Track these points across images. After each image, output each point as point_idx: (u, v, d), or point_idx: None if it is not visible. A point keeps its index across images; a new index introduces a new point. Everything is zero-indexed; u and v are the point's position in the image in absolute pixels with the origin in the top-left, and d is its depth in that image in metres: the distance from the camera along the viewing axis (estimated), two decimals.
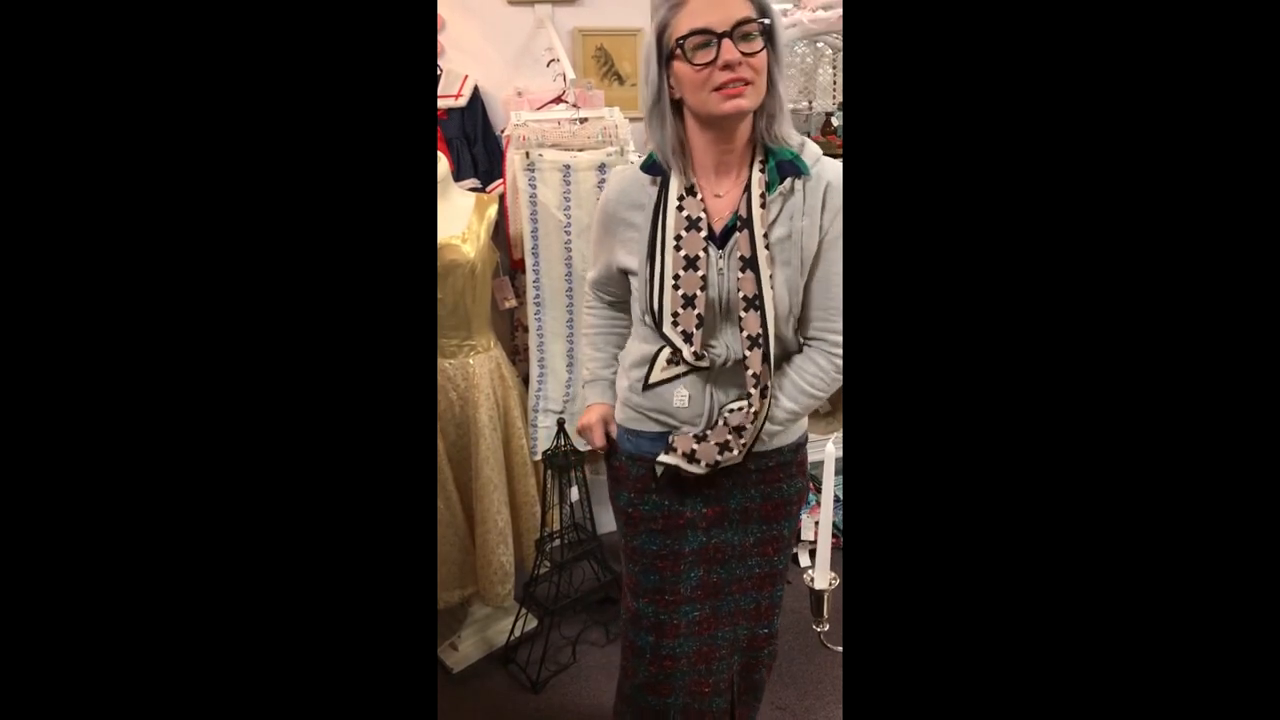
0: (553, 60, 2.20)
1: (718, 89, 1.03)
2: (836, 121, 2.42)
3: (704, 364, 1.15)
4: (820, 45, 2.17)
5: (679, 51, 1.03)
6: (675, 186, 1.14)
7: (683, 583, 1.29)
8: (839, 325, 1.16)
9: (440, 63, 2.24)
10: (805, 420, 1.31)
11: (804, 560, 2.46)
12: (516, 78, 2.29)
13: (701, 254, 1.12)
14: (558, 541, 2.06)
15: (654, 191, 1.16)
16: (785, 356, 1.20)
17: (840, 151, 2.35)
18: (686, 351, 1.13)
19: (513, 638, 2.12)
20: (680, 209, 1.13)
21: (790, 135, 1.13)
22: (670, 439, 1.21)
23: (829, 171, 1.14)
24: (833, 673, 2.02)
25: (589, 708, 1.95)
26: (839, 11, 1.94)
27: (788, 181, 1.11)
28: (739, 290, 1.11)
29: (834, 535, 1.50)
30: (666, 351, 1.18)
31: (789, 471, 1.30)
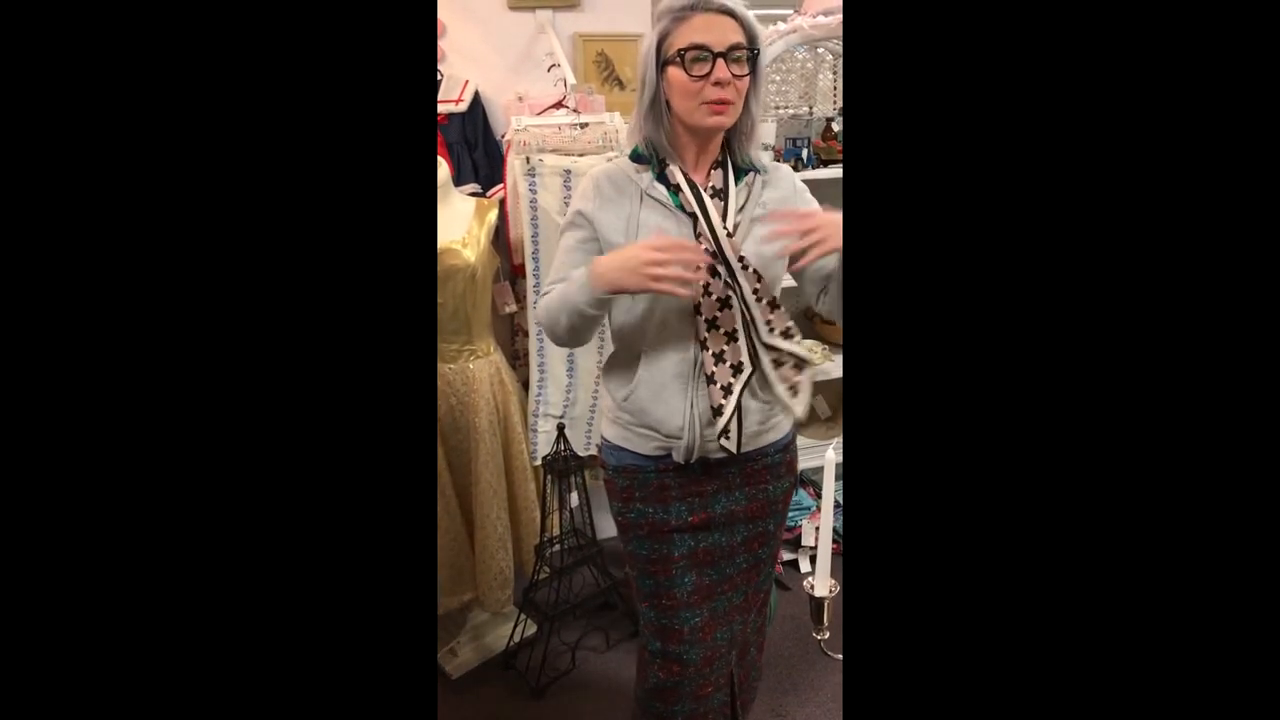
0: (553, 65, 2.21)
1: (706, 103, 1.14)
2: (837, 126, 2.42)
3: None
4: (821, 51, 2.17)
5: (678, 60, 1.14)
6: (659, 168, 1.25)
7: (677, 587, 1.32)
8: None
9: (441, 68, 2.25)
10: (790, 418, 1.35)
11: (804, 566, 2.45)
12: (517, 83, 2.29)
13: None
14: (557, 547, 2.06)
15: (639, 177, 1.24)
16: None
17: (840, 156, 2.35)
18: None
19: (512, 643, 2.12)
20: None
21: (755, 156, 1.27)
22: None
23: (782, 169, 1.31)
24: (832, 680, 2.01)
25: (589, 713, 1.95)
26: (839, 17, 1.94)
27: (750, 175, 1.26)
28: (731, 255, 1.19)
29: (834, 541, 1.50)
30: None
31: (776, 473, 1.35)
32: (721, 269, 1.19)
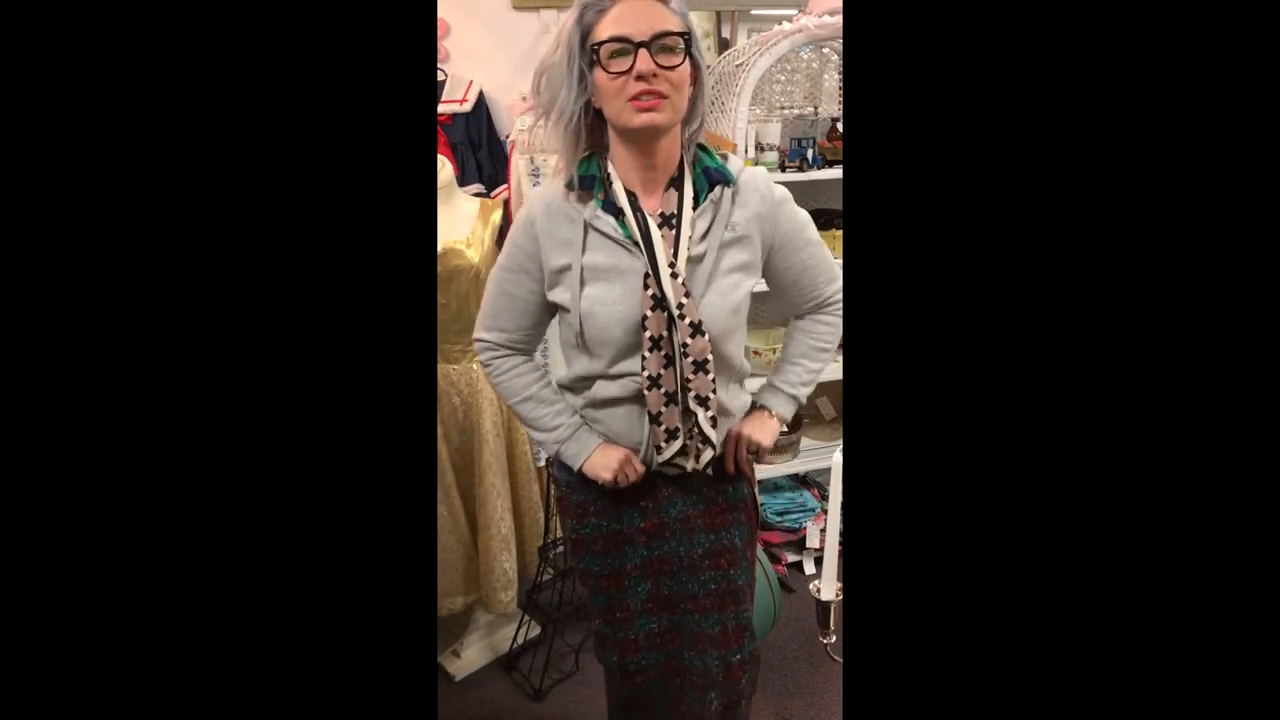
0: None
1: (631, 99, 0.98)
2: (842, 127, 2.41)
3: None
4: (826, 51, 2.16)
5: (595, 58, 0.99)
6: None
7: (630, 597, 1.25)
8: (832, 286, 1.23)
9: (445, 68, 2.24)
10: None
11: (809, 568, 2.44)
12: (522, 83, 2.29)
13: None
14: (561, 548, 2.05)
15: (580, 208, 1.08)
16: (721, 369, 1.13)
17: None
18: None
19: (515, 645, 2.12)
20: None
21: (729, 160, 1.12)
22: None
23: (757, 178, 1.13)
24: (838, 683, 2.00)
25: (591, 716, 1.94)
26: None
27: (716, 190, 1.08)
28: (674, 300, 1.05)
29: (840, 544, 1.50)
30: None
31: (730, 476, 1.25)
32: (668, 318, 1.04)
